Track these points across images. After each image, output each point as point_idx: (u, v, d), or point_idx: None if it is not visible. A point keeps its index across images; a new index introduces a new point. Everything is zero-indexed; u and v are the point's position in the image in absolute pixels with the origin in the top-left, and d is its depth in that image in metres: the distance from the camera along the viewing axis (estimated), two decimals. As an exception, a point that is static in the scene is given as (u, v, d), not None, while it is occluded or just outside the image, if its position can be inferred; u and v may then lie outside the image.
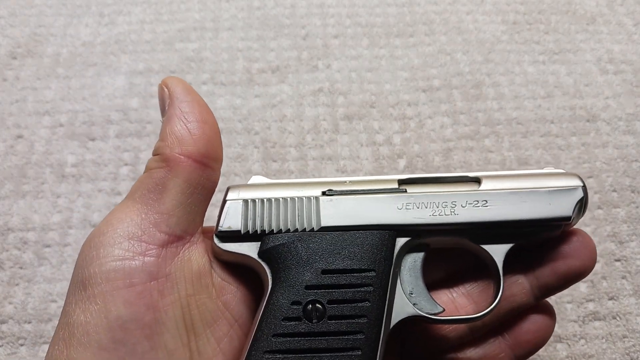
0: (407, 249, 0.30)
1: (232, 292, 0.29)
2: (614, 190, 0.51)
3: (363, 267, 0.28)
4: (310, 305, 0.28)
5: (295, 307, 0.28)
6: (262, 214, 0.29)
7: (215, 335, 0.28)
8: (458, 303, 0.32)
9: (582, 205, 0.30)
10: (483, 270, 0.32)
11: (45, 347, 0.44)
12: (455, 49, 0.62)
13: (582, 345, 0.43)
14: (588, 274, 0.31)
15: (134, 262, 0.26)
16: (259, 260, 0.29)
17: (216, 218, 0.30)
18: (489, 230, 0.30)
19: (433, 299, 0.30)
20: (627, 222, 0.49)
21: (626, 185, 0.51)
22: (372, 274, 0.28)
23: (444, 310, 0.30)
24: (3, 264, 0.48)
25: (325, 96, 0.58)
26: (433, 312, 0.30)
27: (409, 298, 0.30)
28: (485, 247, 0.30)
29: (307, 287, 0.28)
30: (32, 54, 0.63)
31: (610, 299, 0.45)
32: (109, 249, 0.26)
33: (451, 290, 0.32)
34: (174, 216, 0.28)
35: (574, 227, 0.32)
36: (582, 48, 0.62)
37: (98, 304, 0.25)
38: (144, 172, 0.29)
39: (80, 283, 0.26)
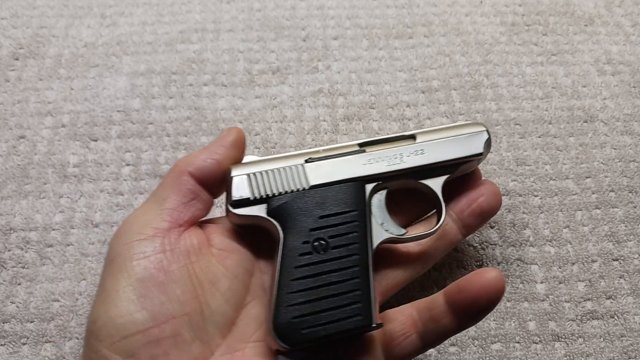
0: (374, 192, 0.40)
1: (228, 257, 0.37)
2: (612, 190, 0.52)
3: (348, 209, 0.38)
4: (317, 242, 0.37)
5: (305, 245, 0.36)
6: (264, 182, 0.38)
7: (219, 290, 0.36)
8: (417, 229, 0.43)
9: (488, 144, 0.41)
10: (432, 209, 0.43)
11: (48, 346, 0.45)
12: (454, 50, 0.63)
13: (580, 344, 0.44)
14: (497, 209, 0.42)
15: (146, 241, 0.35)
16: (269, 218, 0.37)
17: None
18: (428, 170, 0.40)
19: (397, 225, 0.40)
20: (624, 222, 0.50)
21: (624, 186, 0.52)
22: (355, 212, 0.38)
23: (406, 231, 0.40)
24: (5, 263, 0.48)
25: (325, 97, 0.59)
26: (399, 234, 0.39)
27: (381, 227, 0.39)
28: (426, 182, 0.40)
29: (311, 230, 0.37)
30: (34, 55, 0.63)
31: (608, 298, 0.46)
32: (129, 234, 0.35)
33: (412, 226, 0.43)
34: (176, 211, 0.37)
35: (483, 178, 0.44)
36: (580, 49, 0.62)
37: (123, 271, 0.33)
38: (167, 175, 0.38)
39: (110, 260, 0.34)
